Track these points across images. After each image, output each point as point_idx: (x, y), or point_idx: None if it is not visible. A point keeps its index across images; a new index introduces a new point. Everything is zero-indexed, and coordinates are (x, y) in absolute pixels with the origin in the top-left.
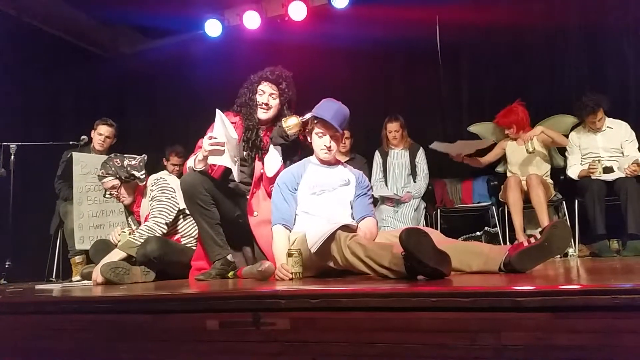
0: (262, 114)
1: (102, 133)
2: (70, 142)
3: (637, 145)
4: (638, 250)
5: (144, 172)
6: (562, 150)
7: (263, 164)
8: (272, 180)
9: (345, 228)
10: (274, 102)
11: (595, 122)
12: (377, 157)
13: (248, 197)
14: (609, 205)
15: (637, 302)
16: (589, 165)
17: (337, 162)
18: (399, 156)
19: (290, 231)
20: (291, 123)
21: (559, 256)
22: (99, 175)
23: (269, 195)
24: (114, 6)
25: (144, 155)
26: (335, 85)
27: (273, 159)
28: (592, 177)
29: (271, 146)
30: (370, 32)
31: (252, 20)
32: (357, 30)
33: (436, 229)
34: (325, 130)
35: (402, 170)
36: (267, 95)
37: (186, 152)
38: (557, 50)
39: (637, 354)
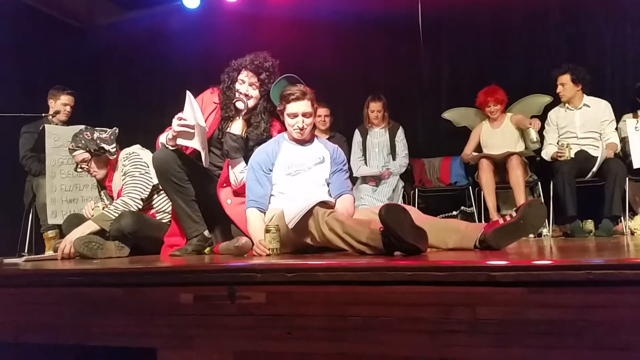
0: (241, 105)
1: (66, 103)
2: (43, 115)
3: (615, 125)
4: (611, 232)
5: (114, 145)
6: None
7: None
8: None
9: (323, 204)
10: (254, 93)
11: (557, 85)
12: (357, 136)
13: (217, 185)
14: (585, 186)
15: (610, 278)
16: (558, 149)
17: (310, 138)
18: (378, 135)
19: (264, 213)
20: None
21: (532, 235)
22: (69, 149)
23: (239, 189)
24: None
25: (115, 128)
26: (314, 61)
27: (236, 170)
28: (562, 159)
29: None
30: (351, 8)
31: None
32: (339, 6)
33: None
34: (297, 108)
35: (381, 149)
36: (246, 85)
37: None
38: (536, 31)
39: (609, 328)
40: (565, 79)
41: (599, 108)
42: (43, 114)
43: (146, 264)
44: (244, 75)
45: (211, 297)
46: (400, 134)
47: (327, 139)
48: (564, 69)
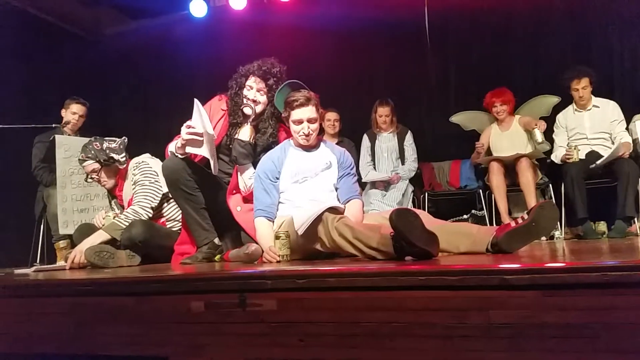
0: (249, 110)
1: (76, 112)
2: (54, 125)
3: (625, 125)
4: (624, 233)
5: (124, 154)
6: (545, 133)
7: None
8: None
9: (333, 210)
10: (262, 99)
11: (579, 90)
12: (366, 141)
13: (227, 192)
14: (596, 188)
15: (626, 279)
16: (566, 150)
17: (317, 143)
18: (387, 140)
19: (273, 222)
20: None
21: (544, 238)
22: (79, 159)
23: (248, 196)
24: None
25: (124, 137)
26: (321, 68)
27: (245, 176)
28: (571, 162)
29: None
30: (358, 13)
31: (238, 0)
32: (345, 11)
33: None
34: (302, 114)
35: (390, 153)
36: (254, 91)
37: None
38: (542, 33)
39: (626, 331)
40: (586, 82)
41: (608, 109)
42: (54, 125)
43: (157, 272)
44: (251, 81)
45: (222, 305)
46: (409, 139)
47: (336, 144)
48: (582, 72)
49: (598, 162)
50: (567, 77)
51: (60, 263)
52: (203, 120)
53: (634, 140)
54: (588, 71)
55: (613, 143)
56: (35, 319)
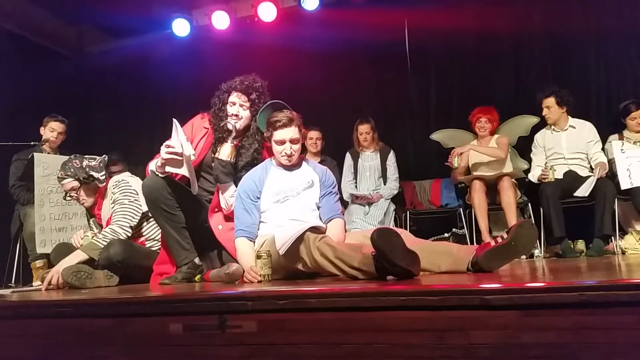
0: (230, 127)
1: (54, 129)
2: (32, 143)
3: (601, 145)
4: (602, 251)
5: (103, 173)
6: (524, 153)
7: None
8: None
9: (314, 229)
10: (245, 113)
11: (543, 109)
12: (348, 159)
13: (209, 210)
14: (575, 207)
15: (604, 299)
16: (542, 171)
17: (299, 162)
18: (369, 158)
19: (254, 242)
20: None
21: (524, 257)
22: (58, 177)
23: (230, 214)
24: (79, 5)
25: (104, 155)
26: (304, 87)
27: (226, 194)
28: (546, 181)
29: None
30: (340, 35)
31: (221, 20)
32: (327, 32)
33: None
34: (284, 135)
35: (372, 172)
36: (237, 107)
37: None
38: (522, 55)
39: (604, 350)
40: (551, 101)
41: (584, 129)
42: (32, 142)
43: (135, 293)
44: (234, 97)
45: (201, 327)
46: (391, 158)
47: (318, 162)
48: (549, 92)
49: (581, 193)
50: (538, 97)
51: (36, 283)
52: (181, 141)
53: (610, 160)
54: (554, 91)
55: (589, 163)
56: (11, 341)
